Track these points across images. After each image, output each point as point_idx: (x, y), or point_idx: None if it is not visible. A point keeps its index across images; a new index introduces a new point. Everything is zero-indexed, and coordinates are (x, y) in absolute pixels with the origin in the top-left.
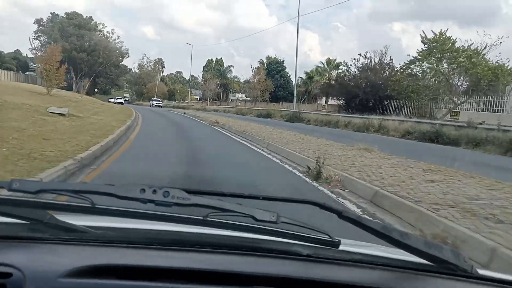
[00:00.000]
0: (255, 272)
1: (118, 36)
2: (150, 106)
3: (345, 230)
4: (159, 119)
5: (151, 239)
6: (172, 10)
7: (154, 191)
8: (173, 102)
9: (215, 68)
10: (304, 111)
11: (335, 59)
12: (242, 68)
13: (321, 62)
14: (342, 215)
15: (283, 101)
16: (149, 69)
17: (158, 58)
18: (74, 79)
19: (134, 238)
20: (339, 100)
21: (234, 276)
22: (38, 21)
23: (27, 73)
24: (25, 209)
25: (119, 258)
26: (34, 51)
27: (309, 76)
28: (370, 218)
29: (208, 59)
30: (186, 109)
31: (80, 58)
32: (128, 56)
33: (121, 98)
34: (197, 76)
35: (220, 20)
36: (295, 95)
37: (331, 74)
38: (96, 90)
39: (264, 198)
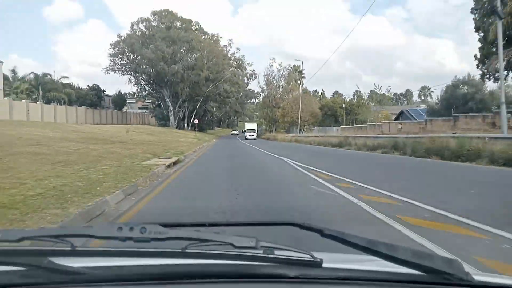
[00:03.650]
0: None
1: (237, 48)
2: None
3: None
4: None
5: (138, 275)
6: (292, 42)
7: (131, 229)
8: (333, 128)
9: None
10: None
11: None
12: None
13: None
14: (324, 233)
15: None
16: (282, 81)
17: (294, 65)
18: (171, 107)
19: (125, 275)
20: None
21: None
22: (120, 37)
23: (126, 109)
24: (20, 256)
25: None
26: (107, 71)
27: None
28: (354, 234)
29: None
30: None
31: (173, 74)
32: (255, 77)
33: (235, 131)
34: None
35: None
36: None
37: None
38: (196, 122)
39: (244, 224)
